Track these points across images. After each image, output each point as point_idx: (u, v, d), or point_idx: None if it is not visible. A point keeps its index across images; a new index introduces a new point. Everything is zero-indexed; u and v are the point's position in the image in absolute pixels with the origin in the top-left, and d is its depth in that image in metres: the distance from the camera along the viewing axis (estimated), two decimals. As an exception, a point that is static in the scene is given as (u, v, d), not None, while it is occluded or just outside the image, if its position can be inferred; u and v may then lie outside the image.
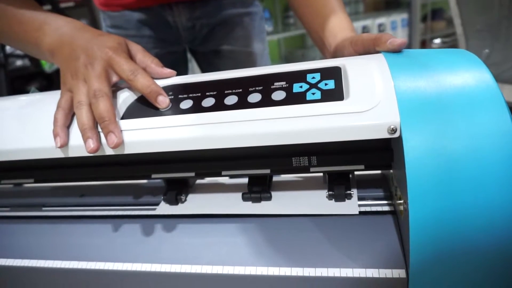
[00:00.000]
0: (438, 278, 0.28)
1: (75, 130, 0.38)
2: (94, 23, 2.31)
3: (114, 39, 0.41)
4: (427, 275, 0.28)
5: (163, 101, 0.37)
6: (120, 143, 0.35)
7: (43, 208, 0.46)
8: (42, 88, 2.21)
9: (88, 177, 0.44)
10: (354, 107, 0.31)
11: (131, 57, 0.42)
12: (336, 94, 0.33)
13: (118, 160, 0.41)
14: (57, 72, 2.29)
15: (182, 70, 0.80)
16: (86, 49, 0.39)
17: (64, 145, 0.37)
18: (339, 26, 0.49)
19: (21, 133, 0.40)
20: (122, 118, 0.37)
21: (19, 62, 2.24)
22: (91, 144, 0.35)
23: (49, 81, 2.30)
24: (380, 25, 2.29)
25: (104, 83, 0.37)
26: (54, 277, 0.38)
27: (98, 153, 0.36)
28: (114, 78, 0.39)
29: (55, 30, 0.43)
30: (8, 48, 2.02)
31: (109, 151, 0.36)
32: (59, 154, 0.38)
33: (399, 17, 2.34)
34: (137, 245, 0.38)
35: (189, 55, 0.81)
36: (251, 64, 0.76)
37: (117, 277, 0.36)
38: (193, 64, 0.88)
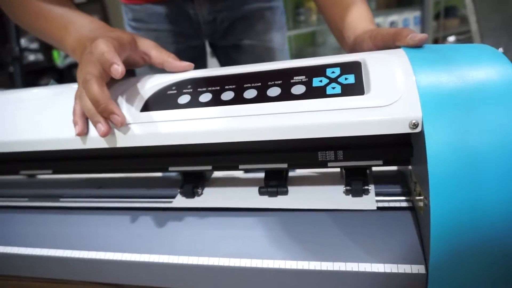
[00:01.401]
0: (458, 274, 0.27)
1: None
2: (106, 19, 2.33)
3: (120, 32, 0.41)
4: (447, 271, 0.27)
5: (116, 69, 0.36)
6: (125, 121, 0.36)
7: (61, 199, 0.47)
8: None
9: (106, 169, 0.45)
10: (375, 101, 0.31)
11: (143, 53, 0.43)
12: (356, 89, 0.33)
13: (136, 153, 0.41)
14: (69, 67, 2.32)
15: (200, 64, 0.79)
16: (93, 39, 0.39)
17: (83, 133, 0.37)
18: (359, 17, 0.48)
19: (41, 124, 0.40)
20: (142, 110, 0.37)
21: (32, 57, 2.27)
22: (102, 127, 0.36)
23: (61, 76, 2.33)
24: (392, 23, 2.27)
25: (97, 67, 0.37)
26: (70, 266, 0.39)
27: (117, 145, 0.36)
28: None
29: (78, 29, 0.43)
30: (23, 42, 2.04)
31: (126, 143, 0.36)
32: (77, 145, 0.38)
33: (412, 15, 2.31)
34: (154, 236, 0.38)
35: (208, 50, 0.81)
36: (271, 59, 0.75)
37: (134, 268, 0.36)
38: (210, 59, 0.88)
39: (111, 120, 0.36)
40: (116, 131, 0.37)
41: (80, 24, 0.44)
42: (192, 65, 0.42)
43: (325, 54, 0.39)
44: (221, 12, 0.70)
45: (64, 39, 0.44)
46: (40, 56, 2.27)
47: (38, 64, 2.28)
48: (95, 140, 0.37)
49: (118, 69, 0.35)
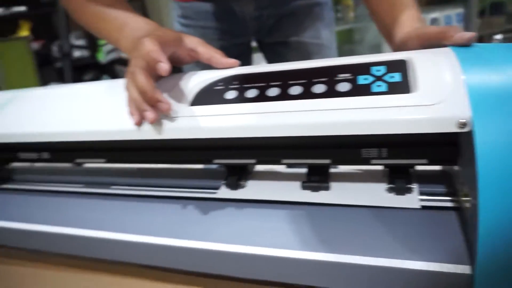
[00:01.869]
0: (506, 277, 0.27)
1: None
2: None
3: (167, 30, 0.43)
4: (495, 273, 0.27)
5: (163, 67, 0.37)
6: (170, 108, 0.38)
7: (112, 187, 0.50)
8: (96, 79, 2.34)
9: (155, 159, 0.47)
10: (422, 100, 0.31)
11: (190, 50, 0.44)
12: (402, 87, 0.33)
13: (183, 146, 0.43)
14: (110, 63, 2.41)
15: (245, 62, 0.78)
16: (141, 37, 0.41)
17: (140, 123, 0.39)
18: (406, 15, 0.47)
19: (99, 116, 0.43)
20: (192, 104, 0.39)
21: (77, 53, 2.38)
22: (150, 114, 0.38)
23: (103, 72, 2.43)
24: (433, 20, 2.19)
25: (142, 61, 0.39)
26: (117, 248, 0.41)
27: (169, 137, 0.38)
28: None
29: (132, 32, 0.46)
30: (72, 39, 2.14)
31: (178, 135, 0.38)
32: (133, 136, 0.40)
33: (454, 12, 2.22)
34: (200, 224, 0.40)
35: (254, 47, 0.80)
36: (320, 56, 0.73)
37: (176, 252, 0.38)
38: (255, 56, 0.87)
39: (157, 107, 0.38)
40: (168, 123, 0.39)
41: (133, 27, 0.46)
42: (238, 62, 0.44)
43: (363, 52, 0.39)
44: (267, 9, 0.69)
45: (119, 40, 0.47)
46: (85, 53, 2.38)
47: (82, 60, 2.39)
48: (150, 131, 0.39)
49: (165, 67, 0.37)
